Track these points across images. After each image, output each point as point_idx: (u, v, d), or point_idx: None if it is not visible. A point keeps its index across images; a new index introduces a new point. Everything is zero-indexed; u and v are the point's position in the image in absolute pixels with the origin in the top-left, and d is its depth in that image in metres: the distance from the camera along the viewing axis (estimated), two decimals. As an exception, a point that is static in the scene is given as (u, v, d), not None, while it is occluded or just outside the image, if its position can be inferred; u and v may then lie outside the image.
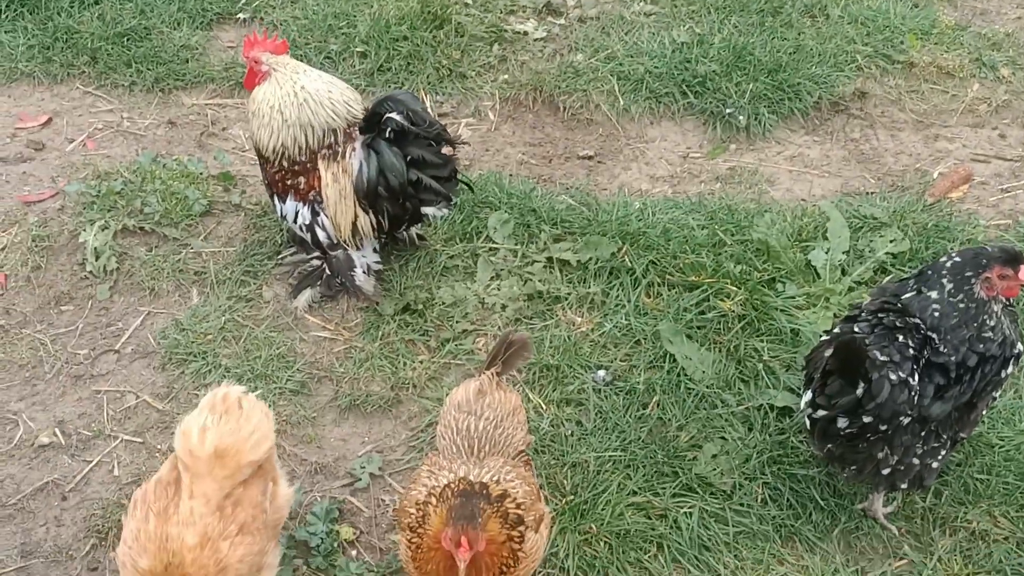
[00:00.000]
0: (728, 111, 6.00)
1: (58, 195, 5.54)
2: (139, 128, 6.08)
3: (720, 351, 4.65)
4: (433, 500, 3.27)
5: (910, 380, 3.59)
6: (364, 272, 4.96)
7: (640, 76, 6.22)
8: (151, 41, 6.57)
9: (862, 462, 3.82)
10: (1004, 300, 3.76)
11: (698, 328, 4.74)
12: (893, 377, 3.56)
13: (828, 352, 3.72)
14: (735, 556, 4.00)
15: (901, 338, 3.67)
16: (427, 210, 4.89)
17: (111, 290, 5.06)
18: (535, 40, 6.63)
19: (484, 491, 3.24)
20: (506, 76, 6.36)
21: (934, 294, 3.73)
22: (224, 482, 3.39)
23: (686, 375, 4.56)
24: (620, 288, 4.94)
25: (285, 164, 4.81)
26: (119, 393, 4.64)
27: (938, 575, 3.94)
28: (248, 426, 3.46)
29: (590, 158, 5.90)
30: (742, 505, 4.13)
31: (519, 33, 6.67)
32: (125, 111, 6.21)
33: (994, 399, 3.88)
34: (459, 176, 4.95)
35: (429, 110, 4.82)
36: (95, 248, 5.14)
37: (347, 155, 4.78)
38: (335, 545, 4.03)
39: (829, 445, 3.85)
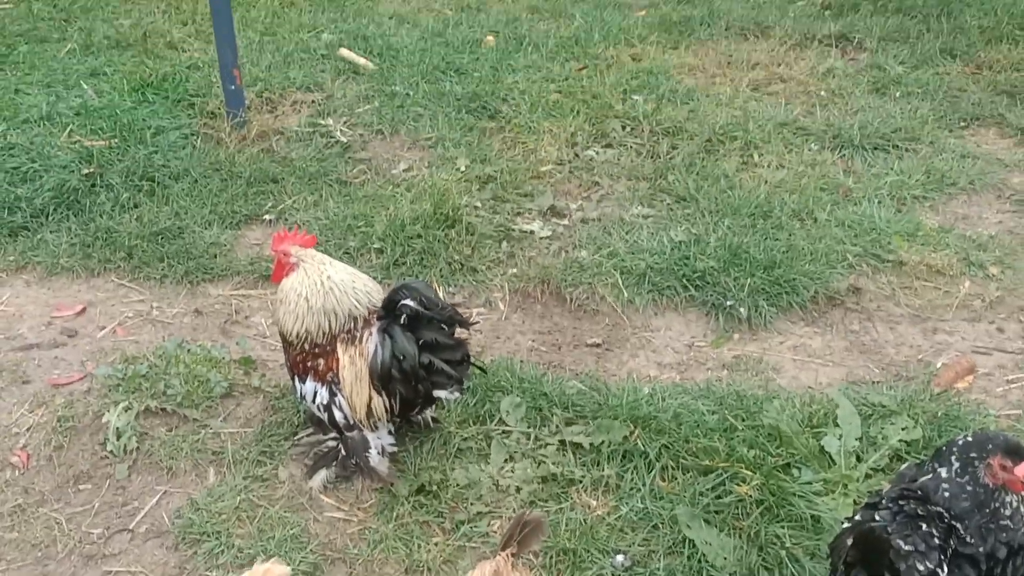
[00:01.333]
0: (729, 303, 5.78)
1: (86, 378, 5.24)
2: (167, 316, 5.83)
3: (740, 537, 4.22)
4: None
5: (939, 572, 3.17)
6: (379, 453, 4.59)
7: (642, 271, 6.03)
8: (183, 239, 6.45)
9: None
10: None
11: (716, 513, 4.33)
12: (921, 568, 3.15)
13: (849, 542, 3.33)
14: None
15: (924, 527, 3.26)
16: (439, 393, 4.55)
17: (130, 469, 4.67)
18: (541, 238, 6.50)
19: None
20: (515, 270, 6.18)
21: (943, 472, 3.36)
22: None
23: (707, 561, 4.12)
24: (634, 471, 4.55)
25: (307, 347, 4.54)
26: (130, 573, 4.18)
27: None
28: None
29: (598, 346, 5.62)
30: None
31: (526, 232, 6.55)
32: (155, 301, 5.98)
33: (1031, 593, 3.44)
34: (471, 359, 4.65)
35: (442, 296, 4.59)
36: (117, 428, 4.79)
37: (364, 339, 4.52)
38: None
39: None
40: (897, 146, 7.51)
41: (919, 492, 3.36)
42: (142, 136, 7.55)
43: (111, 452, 4.74)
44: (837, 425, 4.71)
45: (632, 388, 5.07)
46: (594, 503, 4.45)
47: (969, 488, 3.27)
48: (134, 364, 5.21)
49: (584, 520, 4.33)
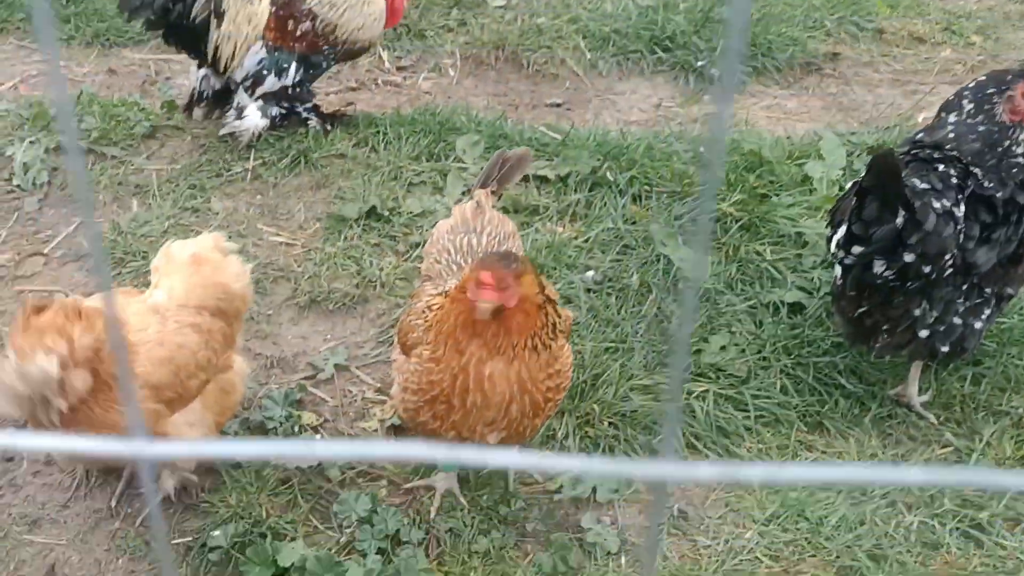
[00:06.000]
0: (699, 64, 5.65)
1: (-14, 121, 4.93)
2: (77, 75, 5.50)
3: (718, 253, 4.15)
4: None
5: (955, 211, 3.12)
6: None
7: (606, 35, 5.85)
8: (94, 3, 6.08)
9: (896, 321, 3.30)
10: None
11: (693, 235, 4.24)
12: (937, 206, 3.09)
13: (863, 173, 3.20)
14: (758, 440, 3.44)
15: (941, 167, 3.21)
16: None
17: (40, 202, 4.43)
18: (495, 7, 6.26)
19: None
20: (466, 37, 5.95)
21: (952, 117, 3.30)
22: (192, 290, 2.89)
23: (683, 276, 4.04)
24: (603, 199, 4.44)
25: None
26: (45, 293, 3.96)
27: (987, 459, 3.41)
28: (229, 262, 3.16)
29: (558, 105, 5.46)
30: (760, 390, 3.58)
31: (477, 1, 6.31)
32: (62, 60, 5.63)
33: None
34: None
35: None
36: (24, 163, 4.52)
37: None
38: (295, 429, 3.37)
39: (861, 308, 3.33)
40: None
41: (930, 140, 3.30)
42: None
43: (18, 186, 4.48)
44: (821, 156, 4.64)
45: (599, 129, 4.94)
46: (561, 229, 4.33)
47: (981, 128, 3.20)
48: (41, 106, 4.91)
49: (551, 242, 4.21)
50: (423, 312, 2.78)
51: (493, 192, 3.29)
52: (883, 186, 2.99)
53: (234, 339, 3.16)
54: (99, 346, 2.69)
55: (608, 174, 4.53)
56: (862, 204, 3.06)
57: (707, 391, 3.53)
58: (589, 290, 4.00)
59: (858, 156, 4.74)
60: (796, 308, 3.91)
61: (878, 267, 3.16)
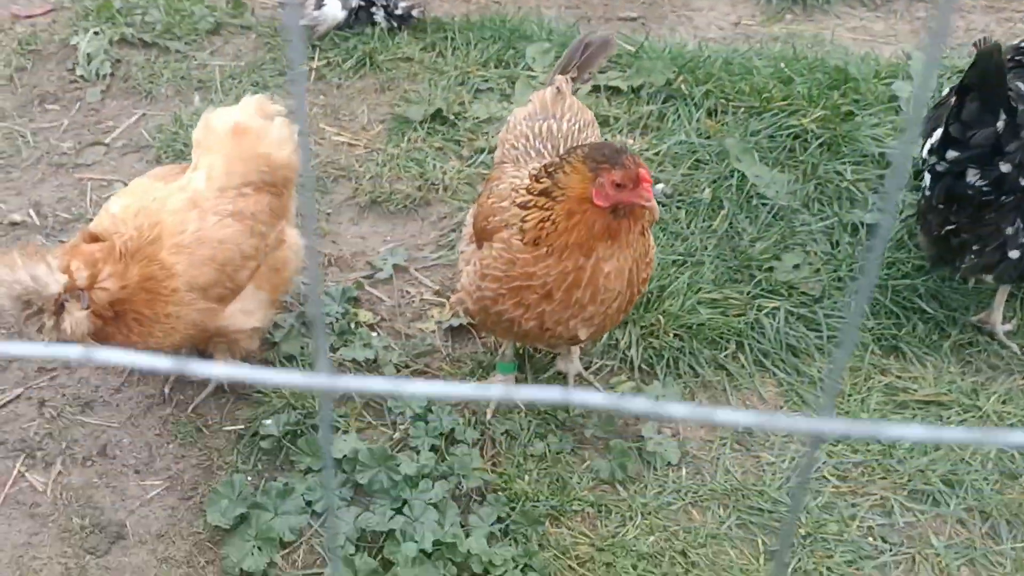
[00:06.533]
0: (784, -20, 5.43)
1: (52, 12, 4.89)
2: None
3: (795, 171, 4.00)
4: (558, 167, 2.57)
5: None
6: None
7: (685, -54, 5.65)
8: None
9: (986, 240, 3.14)
10: None
11: (769, 151, 4.09)
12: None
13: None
14: (829, 361, 3.32)
15: (1046, 76, 3.04)
16: None
17: (103, 93, 4.40)
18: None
19: None
20: (540, -56, 5.78)
21: None
22: (234, 164, 2.78)
23: (757, 192, 3.90)
24: (677, 111, 4.29)
25: None
26: (105, 181, 3.96)
27: (1070, 391, 3.27)
28: (272, 128, 2.99)
29: (633, 19, 5.29)
30: (833, 310, 3.45)
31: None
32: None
33: None
34: None
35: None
36: (88, 53, 4.49)
37: None
38: (352, 326, 3.32)
39: (948, 225, 3.17)
40: None
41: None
42: None
43: (81, 76, 4.46)
44: (910, 77, 4.44)
45: (675, 41, 4.78)
46: (632, 141, 4.20)
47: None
48: (106, -1, 4.86)
49: (620, 153, 4.08)
50: (510, 194, 2.70)
51: (573, 79, 3.18)
52: (986, 84, 2.84)
53: (286, 210, 3.09)
54: (122, 296, 2.66)
55: (683, 87, 4.38)
56: (962, 104, 2.91)
57: (778, 308, 3.41)
58: (659, 203, 3.87)
59: (947, 78, 4.53)
60: (875, 229, 3.76)
61: (972, 176, 3.01)
